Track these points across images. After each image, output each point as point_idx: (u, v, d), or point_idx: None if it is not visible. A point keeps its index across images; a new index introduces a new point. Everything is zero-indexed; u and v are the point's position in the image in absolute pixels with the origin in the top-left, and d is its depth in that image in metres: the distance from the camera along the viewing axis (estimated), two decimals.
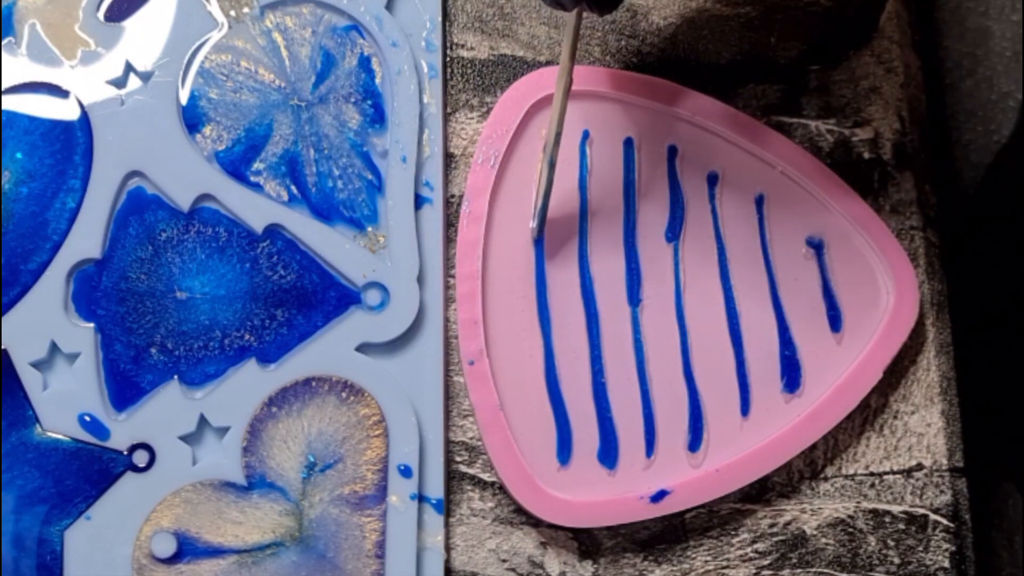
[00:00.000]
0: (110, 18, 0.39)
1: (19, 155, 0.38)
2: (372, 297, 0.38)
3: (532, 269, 0.38)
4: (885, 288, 0.39)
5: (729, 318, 0.39)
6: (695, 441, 0.38)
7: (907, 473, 0.39)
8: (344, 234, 0.38)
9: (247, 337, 0.37)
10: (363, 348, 0.37)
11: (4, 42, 0.38)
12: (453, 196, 0.39)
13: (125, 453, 0.36)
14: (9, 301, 0.37)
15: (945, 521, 0.39)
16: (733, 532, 0.38)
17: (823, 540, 0.38)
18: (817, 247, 0.39)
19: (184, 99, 0.38)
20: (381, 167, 0.38)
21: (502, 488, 0.38)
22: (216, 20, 0.39)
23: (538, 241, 0.38)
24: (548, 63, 0.41)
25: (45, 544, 0.36)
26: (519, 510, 0.38)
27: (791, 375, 0.39)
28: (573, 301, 0.38)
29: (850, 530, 0.39)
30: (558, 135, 0.37)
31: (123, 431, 0.36)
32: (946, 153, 0.44)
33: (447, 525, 0.38)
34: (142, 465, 0.36)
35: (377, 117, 0.39)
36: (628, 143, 0.39)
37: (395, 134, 0.38)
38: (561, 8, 0.35)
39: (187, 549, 0.36)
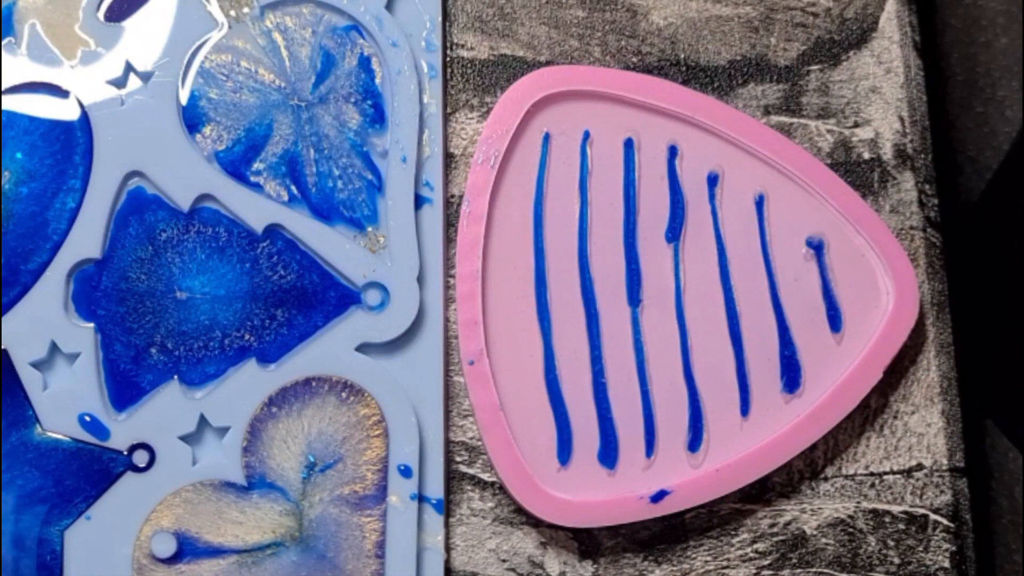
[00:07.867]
0: (110, 18, 0.39)
1: (19, 155, 0.38)
2: (372, 297, 0.38)
3: (532, 269, 0.38)
4: (885, 288, 0.39)
5: (729, 318, 0.39)
6: (695, 441, 0.38)
7: (907, 473, 0.39)
8: (344, 234, 0.38)
9: (247, 337, 0.37)
10: (363, 348, 0.37)
11: (4, 42, 0.38)
12: (453, 196, 0.39)
13: (125, 453, 0.36)
14: (9, 301, 0.37)
15: (945, 521, 0.39)
16: (733, 532, 0.38)
17: (823, 540, 0.38)
18: (817, 247, 0.39)
19: (184, 99, 0.38)
20: (381, 167, 0.38)
21: (502, 488, 0.38)
22: (216, 20, 0.39)
23: (538, 241, 0.38)
24: (548, 63, 0.41)
25: (45, 544, 0.36)
26: (519, 510, 0.38)
27: (791, 375, 0.39)
28: (573, 301, 0.38)
29: (850, 530, 0.39)
30: None
31: (123, 431, 0.36)
32: (946, 153, 0.44)
33: (447, 525, 0.38)
34: (142, 465, 0.36)
35: (377, 117, 0.39)
36: (628, 143, 0.39)
37: (395, 134, 0.38)
38: None
39: (187, 549, 0.36)
